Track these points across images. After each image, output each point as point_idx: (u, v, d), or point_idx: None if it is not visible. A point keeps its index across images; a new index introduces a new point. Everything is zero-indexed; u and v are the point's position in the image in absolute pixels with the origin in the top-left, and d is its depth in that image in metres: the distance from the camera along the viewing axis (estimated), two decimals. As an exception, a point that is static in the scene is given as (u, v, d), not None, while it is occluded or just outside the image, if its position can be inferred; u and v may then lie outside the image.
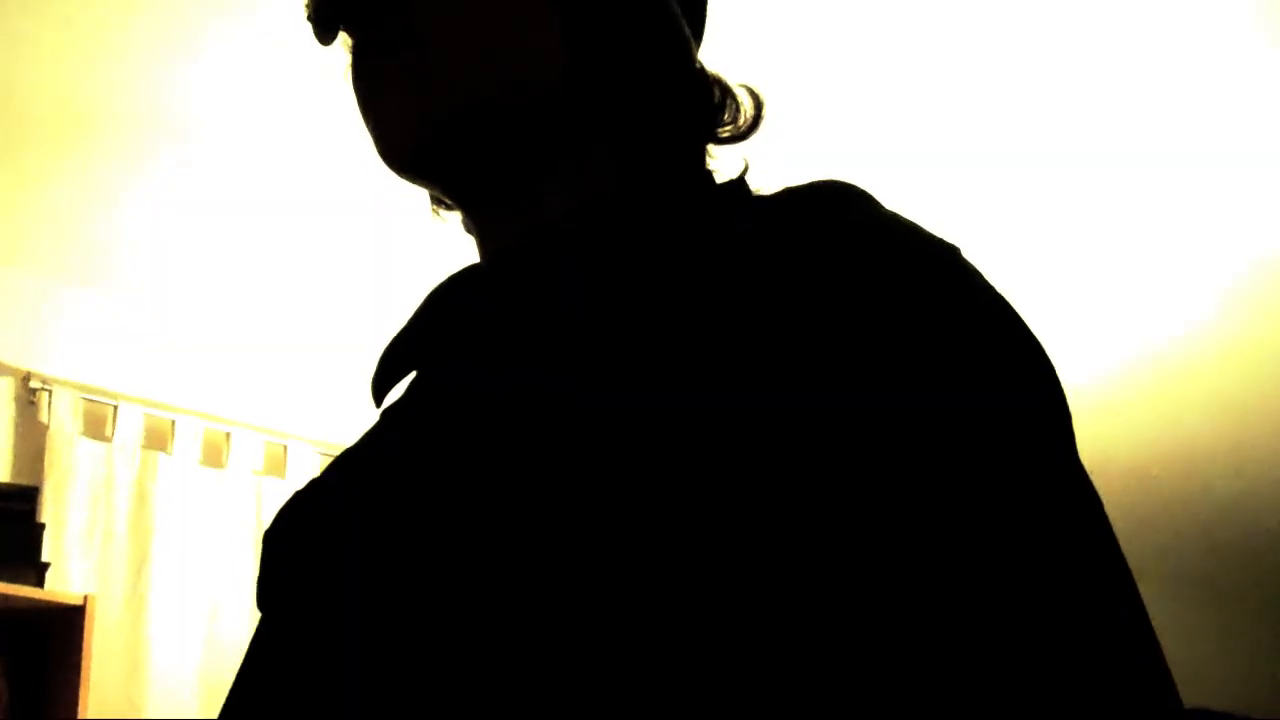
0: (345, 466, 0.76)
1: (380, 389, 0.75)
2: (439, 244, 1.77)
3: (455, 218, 0.80)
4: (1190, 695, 0.73)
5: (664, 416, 0.59)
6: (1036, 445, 0.60)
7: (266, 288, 3.45)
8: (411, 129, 0.69)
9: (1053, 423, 0.62)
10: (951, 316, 0.61)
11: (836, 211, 0.66)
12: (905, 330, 0.60)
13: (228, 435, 3.59)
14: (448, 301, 0.74)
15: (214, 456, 3.57)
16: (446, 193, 0.75)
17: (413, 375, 0.76)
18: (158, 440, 3.49)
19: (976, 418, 0.59)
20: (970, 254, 0.68)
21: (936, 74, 2.73)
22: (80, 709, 2.81)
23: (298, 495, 0.77)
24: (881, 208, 0.67)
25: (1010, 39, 2.64)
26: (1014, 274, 3.21)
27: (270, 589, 0.75)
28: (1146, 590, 0.63)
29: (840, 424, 0.58)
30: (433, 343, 0.73)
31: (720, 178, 0.75)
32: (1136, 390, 3.89)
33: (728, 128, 0.76)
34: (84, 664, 2.84)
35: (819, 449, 0.57)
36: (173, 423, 3.51)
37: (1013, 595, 0.57)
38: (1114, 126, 2.88)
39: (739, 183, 0.73)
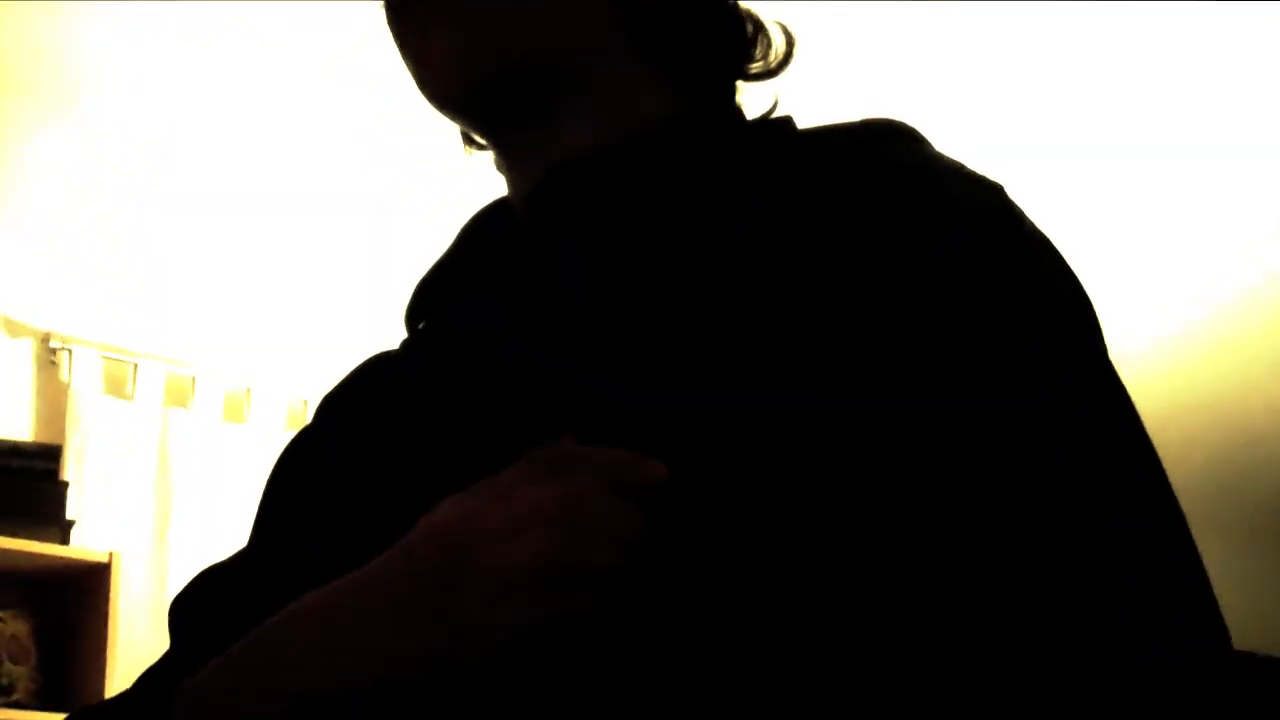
0: (374, 377, 0.78)
1: (413, 319, 0.77)
2: (459, 184, 1.75)
3: (485, 155, 0.80)
4: (1249, 641, 0.73)
5: (658, 414, 0.60)
6: (1092, 408, 0.61)
7: (283, 241, 3.44)
8: (455, 70, 0.69)
9: (1104, 385, 0.63)
10: (997, 265, 0.62)
11: (882, 151, 0.66)
12: (948, 283, 0.60)
13: (248, 390, 3.60)
14: (480, 233, 0.75)
15: (235, 412, 3.59)
16: (482, 131, 0.75)
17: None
18: (179, 397, 3.51)
19: (1025, 391, 0.60)
20: (1013, 191, 0.67)
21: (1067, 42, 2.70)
22: (107, 665, 2.83)
23: (327, 399, 0.80)
24: (929, 147, 0.67)
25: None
26: (1085, 228, 3.17)
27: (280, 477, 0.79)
28: (1216, 539, 0.63)
29: (844, 420, 0.58)
30: (460, 276, 0.75)
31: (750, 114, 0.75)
32: (1225, 338, 3.84)
33: (759, 63, 0.76)
34: (110, 620, 2.87)
35: (821, 446, 0.57)
36: (193, 379, 3.52)
37: (1069, 541, 0.57)
38: (1183, 81, 2.84)
39: (784, 119, 0.72)
